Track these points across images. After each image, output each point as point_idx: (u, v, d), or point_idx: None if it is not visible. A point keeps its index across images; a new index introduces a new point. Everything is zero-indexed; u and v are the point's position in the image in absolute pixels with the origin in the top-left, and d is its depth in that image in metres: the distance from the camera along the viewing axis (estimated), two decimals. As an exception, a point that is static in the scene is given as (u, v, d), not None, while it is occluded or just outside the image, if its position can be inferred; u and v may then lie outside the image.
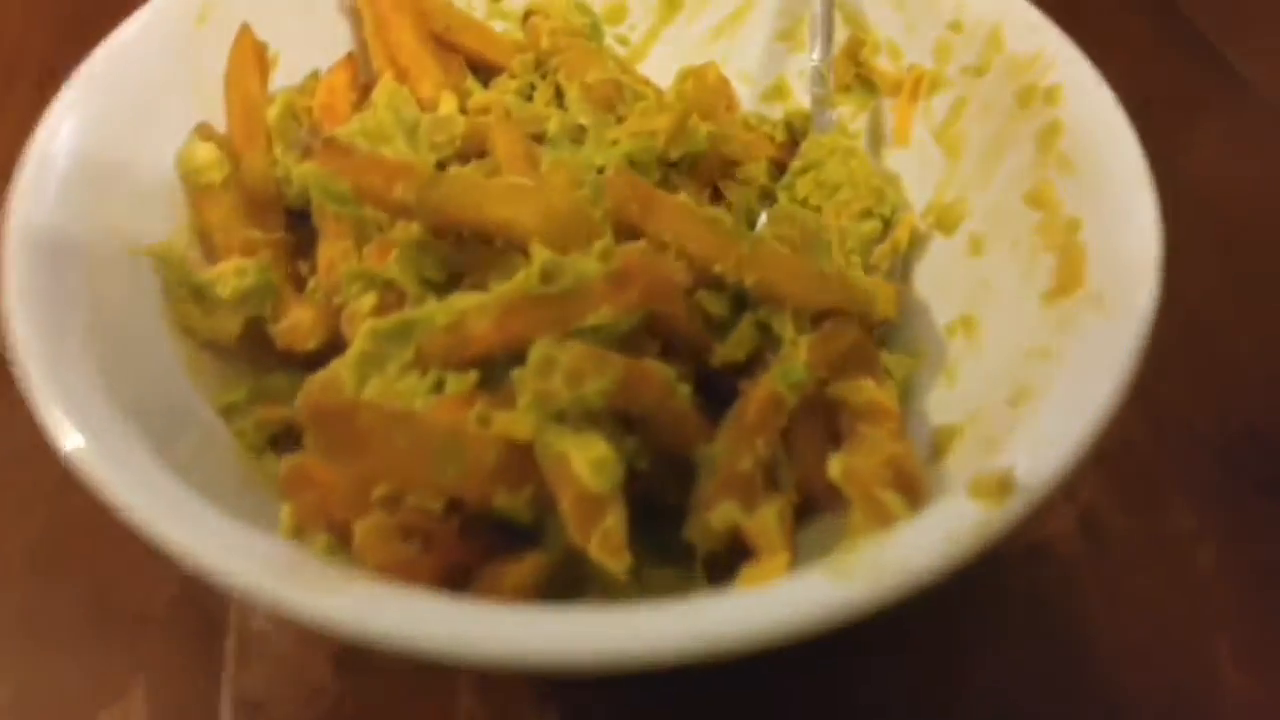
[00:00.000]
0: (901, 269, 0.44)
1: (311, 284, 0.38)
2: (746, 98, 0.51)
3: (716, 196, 0.47)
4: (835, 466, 0.31)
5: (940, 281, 0.43)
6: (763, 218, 0.46)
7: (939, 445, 0.35)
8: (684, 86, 0.46)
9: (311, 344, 0.36)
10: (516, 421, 0.29)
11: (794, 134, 0.49)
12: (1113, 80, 0.38)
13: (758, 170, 0.48)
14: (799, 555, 0.32)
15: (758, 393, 0.34)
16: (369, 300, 0.35)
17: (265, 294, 0.36)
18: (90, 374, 0.30)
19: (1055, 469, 0.27)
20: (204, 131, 0.40)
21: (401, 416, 0.28)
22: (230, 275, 0.36)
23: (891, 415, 0.33)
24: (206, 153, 0.39)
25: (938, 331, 0.41)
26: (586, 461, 0.27)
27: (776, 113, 0.50)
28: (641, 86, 0.46)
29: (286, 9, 0.44)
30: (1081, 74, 0.39)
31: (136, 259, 0.36)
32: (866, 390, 0.34)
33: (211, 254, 0.39)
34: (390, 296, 0.35)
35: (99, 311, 0.33)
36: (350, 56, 0.44)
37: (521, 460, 0.29)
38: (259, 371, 0.37)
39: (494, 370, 0.32)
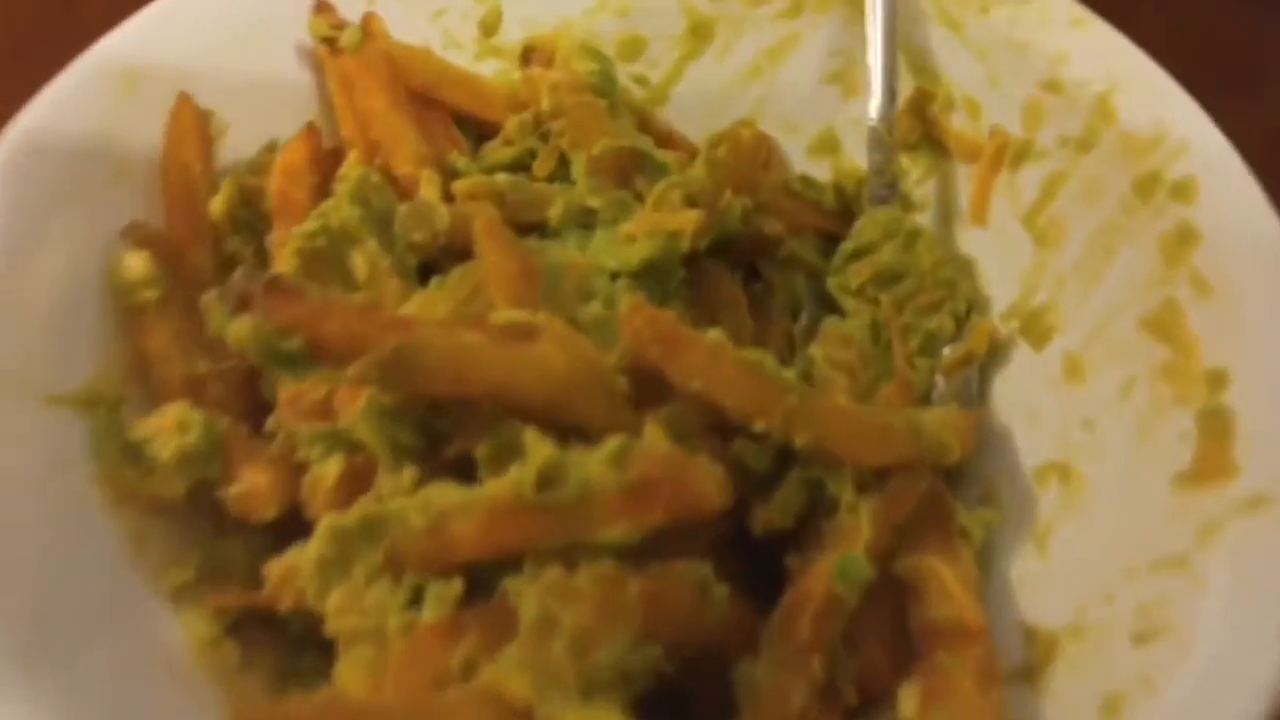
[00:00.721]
0: (978, 385, 0.36)
1: (270, 423, 0.31)
2: (790, 151, 0.43)
3: (753, 275, 0.40)
4: (909, 710, 0.25)
5: (1027, 409, 0.35)
6: (808, 313, 0.39)
7: (1034, 661, 0.28)
8: (716, 155, 0.38)
9: (270, 514, 0.30)
10: (509, 679, 0.22)
11: (846, 200, 0.41)
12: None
13: (803, 246, 0.40)
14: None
15: (811, 593, 0.27)
16: (334, 467, 0.28)
17: (211, 454, 0.30)
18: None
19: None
20: (136, 235, 0.33)
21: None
22: (171, 432, 0.29)
23: (977, 639, 0.26)
24: (140, 264, 0.32)
25: (1024, 475, 0.34)
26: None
27: (825, 171, 0.43)
28: (663, 153, 0.38)
29: (235, 68, 0.37)
30: (1224, 163, 0.32)
31: (53, 409, 0.30)
32: (948, 597, 0.27)
33: (149, 391, 0.32)
34: (358, 459, 0.28)
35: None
36: (310, 128, 0.37)
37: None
38: (207, 535, 0.31)
39: (483, 574, 0.25)
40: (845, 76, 0.42)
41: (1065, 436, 0.33)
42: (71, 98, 0.33)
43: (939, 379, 0.37)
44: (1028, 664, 0.28)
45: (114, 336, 0.33)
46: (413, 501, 0.25)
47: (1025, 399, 0.35)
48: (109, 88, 0.34)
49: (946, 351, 0.37)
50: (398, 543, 0.25)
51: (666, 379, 0.28)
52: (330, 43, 0.36)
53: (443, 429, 0.29)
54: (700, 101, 0.43)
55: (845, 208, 0.41)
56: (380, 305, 0.29)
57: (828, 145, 0.43)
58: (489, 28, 0.42)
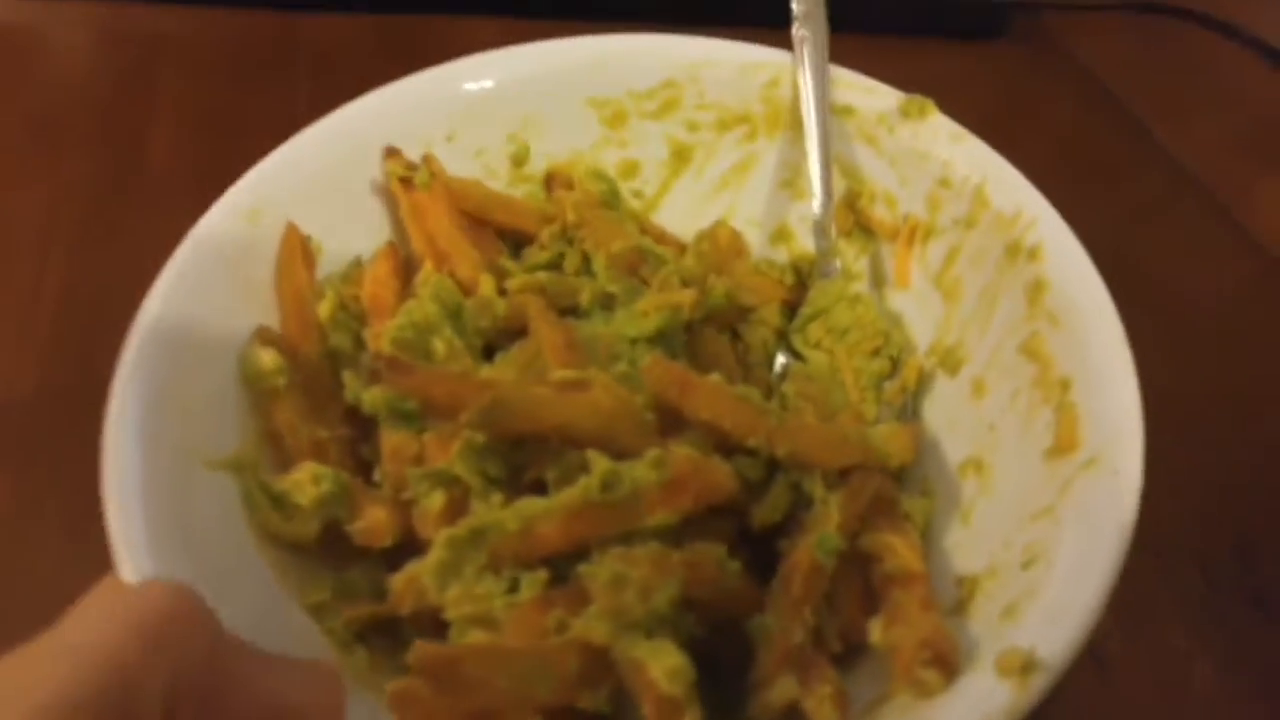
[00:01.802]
0: (912, 407, 0.48)
1: (377, 474, 0.42)
2: (754, 241, 0.55)
3: (734, 337, 0.52)
4: (876, 635, 0.36)
5: (948, 420, 0.47)
6: (779, 361, 0.50)
7: (962, 597, 0.38)
8: (701, 248, 0.50)
9: (388, 541, 0.39)
10: (592, 629, 0.32)
11: (801, 275, 0.53)
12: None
13: (770, 313, 0.52)
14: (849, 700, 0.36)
15: (800, 562, 0.38)
16: (438, 499, 0.38)
17: (341, 498, 0.39)
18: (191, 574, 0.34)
19: (1070, 643, 0.31)
20: (264, 336, 0.43)
21: (498, 656, 0.31)
22: (307, 483, 0.39)
23: (921, 580, 0.37)
24: (269, 358, 0.42)
25: (950, 470, 0.45)
26: (662, 670, 0.31)
27: (782, 255, 0.55)
28: (661, 248, 0.50)
29: (326, 200, 0.47)
30: (1059, 234, 0.44)
31: (213, 472, 0.39)
32: (897, 555, 0.38)
33: (281, 456, 0.42)
34: (456, 491, 0.39)
35: (191, 530, 0.36)
36: (391, 245, 0.48)
37: (600, 661, 0.32)
38: (336, 566, 0.40)
39: (561, 566, 0.36)
40: (793, 183, 0.54)
41: (976, 438, 0.45)
42: (211, 233, 0.43)
43: (884, 408, 0.49)
44: (959, 601, 0.38)
45: (250, 415, 0.42)
46: (507, 512, 0.35)
47: (946, 413, 0.47)
48: (238, 225, 0.44)
49: (886, 385, 0.49)
50: (497, 544, 0.35)
51: (681, 413, 0.40)
52: (406, 181, 0.48)
53: (521, 461, 0.39)
54: (684, 208, 0.56)
55: (800, 282, 0.53)
56: (470, 372, 0.39)
57: (783, 236, 0.55)
58: (519, 161, 0.54)
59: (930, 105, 0.49)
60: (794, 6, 0.53)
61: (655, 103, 0.54)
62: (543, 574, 0.35)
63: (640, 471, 0.35)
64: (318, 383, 0.44)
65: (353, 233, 0.49)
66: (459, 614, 0.35)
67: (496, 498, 0.38)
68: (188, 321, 0.40)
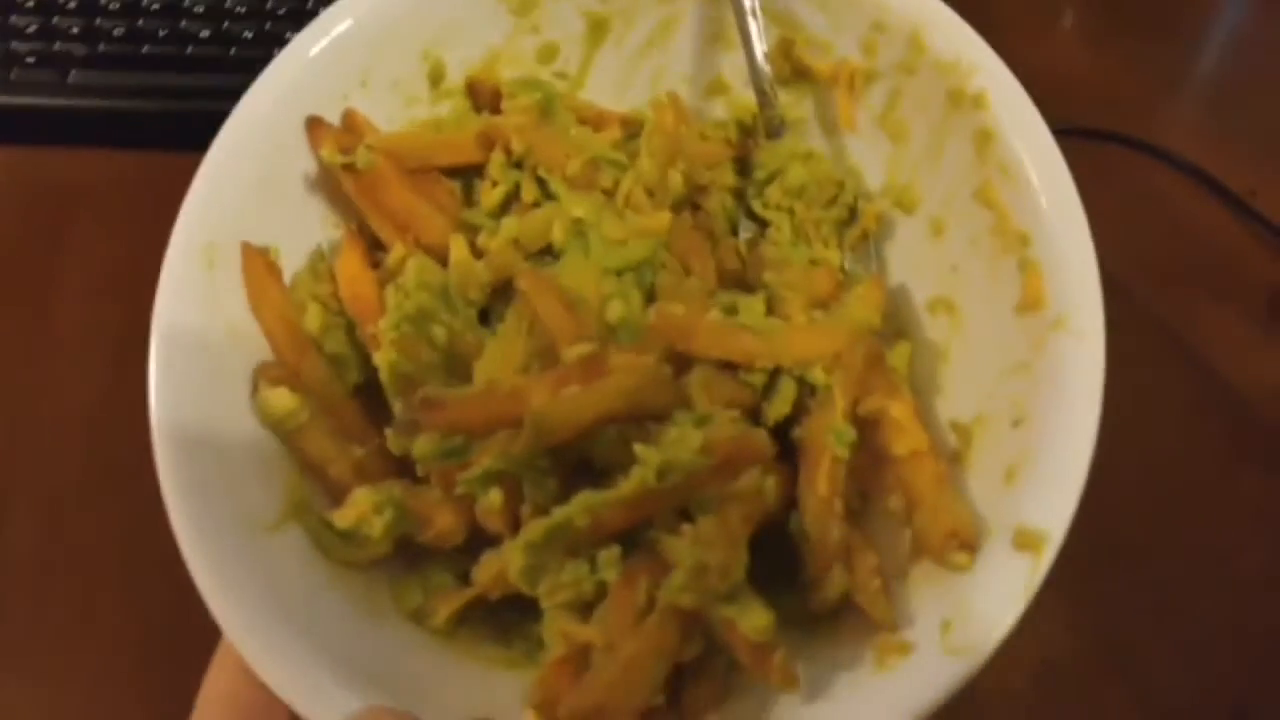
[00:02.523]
0: (875, 250, 0.51)
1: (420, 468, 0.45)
2: (688, 97, 0.55)
3: (694, 208, 0.53)
4: (897, 510, 0.42)
5: (911, 260, 0.50)
6: (744, 229, 0.52)
7: (959, 447, 0.44)
8: (653, 143, 0.50)
9: (459, 541, 0.43)
10: (682, 598, 0.38)
11: (745, 129, 0.54)
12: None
13: (725, 175, 0.53)
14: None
15: (819, 459, 0.43)
16: (496, 496, 0.41)
17: (405, 518, 0.42)
18: (310, 651, 0.38)
19: (1069, 518, 0.38)
20: (268, 375, 0.43)
21: (619, 667, 0.37)
22: (370, 515, 0.41)
23: (928, 455, 0.42)
24: (284, 399, 0.43)
25: (919, 309, 0.49)
26: (751, 628, 0.37)
27: (718, 106, 0.55)
28: (615, 154, 0.50)
29: (268, 202, 0.46)
30: (1002, 82, 0.45)
31: (274, 534, 0.42)
32: (901, 430, 0.43)
33: (326, 486, 0.44)
34: (509, 483, 0.42)
35: (279, 591, 0.40)
36: (351, 233, 0.47)
37: (692, 620, 0.38)
38: (411, 565, 0.44)
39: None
40: (722, 35, 0.52)
41: (940, 278, 0.48)
42: (177, 289, 0.42)
43: (847, 254, 0.52)
44: (958, 450, 0.44)
45: (283, 454, 0.44)
46: (573, 509, 0.39)
47: (908, 253, 0.50)
48: (196, 270, 0.43)
49: (847, 232, 0.52)
50: (571, 538, 0.39)
51: (692, 356, 0.43)
52: (349, 168, 0.46)
53: (561, 450, 0.42)
54: (611, 79, 0.54)
55: (746, 136, 0.54)
56: (495, 386, 0.41)
57: (719, 89, 0.54)
58: (436, 78, 0.51)
59: (855, -49, 0.47)
60: None
61: (562, -20, 0.51)
62: (616, 549, 0.40)
63: (688, 458, 0.39)
64: (331, 397, 0.46)
65: (304, 222, 0.48)
66: (553, 603, 0.40)
67: (550, 484, 0.42)
68: (195, 405, 0.41)
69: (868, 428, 0.45)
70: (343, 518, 0.42)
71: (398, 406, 0.45)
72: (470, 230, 0.48)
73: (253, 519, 0.41)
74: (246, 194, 0.46)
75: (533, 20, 0.52)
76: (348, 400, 0.46)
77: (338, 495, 0.44)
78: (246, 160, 0.46)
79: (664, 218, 0.46)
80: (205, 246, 0.44)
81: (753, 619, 0.37)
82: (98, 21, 0.62)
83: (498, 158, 0.50)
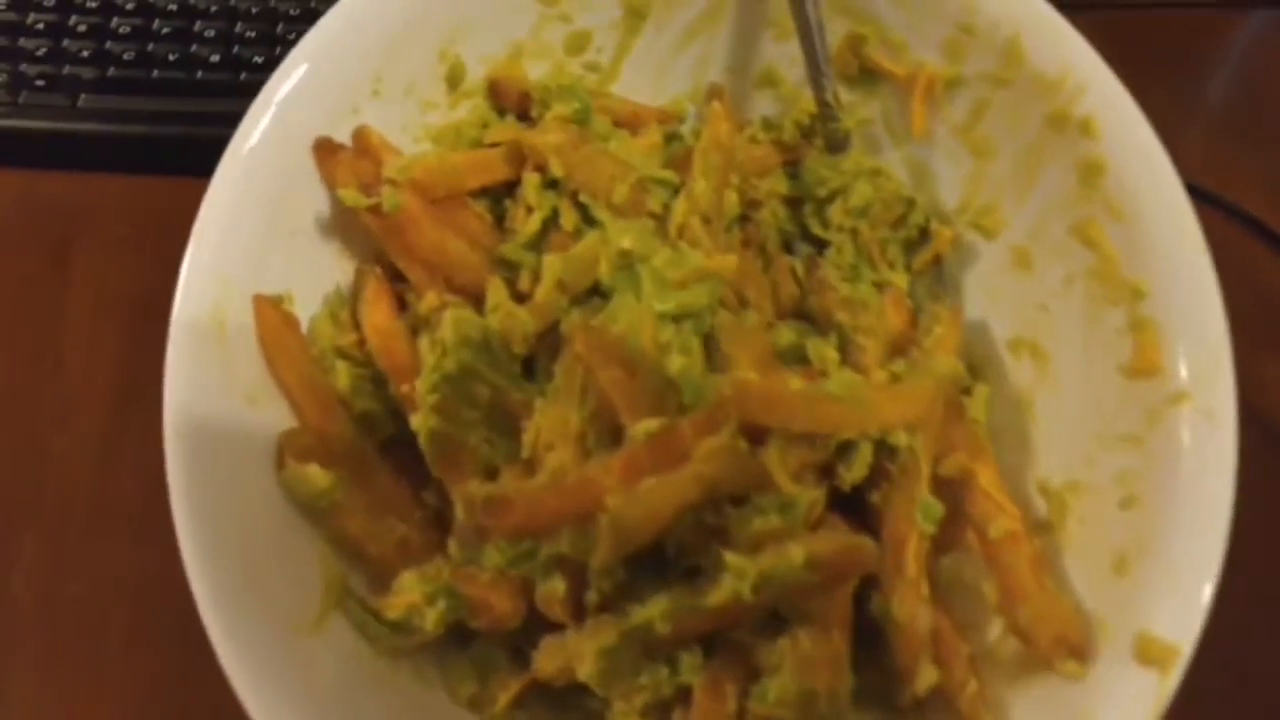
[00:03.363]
0: (949, 278, 0.47)
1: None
2: (736, 92, 0.49)
3: (744, 220, 0.48)
4: (994, 602, 0.39)
5: (990, 292, 0.45)
6: (803, 252, 0.47)
7: (1051, 516, 0.41)
8: (709, 161, 0.43)
9: (515, 624, 0.39)
10: (779, 714, 0.35)
11: (800, 129, 0.48)
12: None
13: (777, 183, 0.48)
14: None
15: (905, 535, 0.39)
16: (559, 585, 0.38)
17: (459, 604, 0.38)
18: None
19: (1198, 627, 0.35)
20: (294, 448, 0.38)
21: None
22: (422, 604, 0.37)
23: (1023, 538, 0.39)
24: (318, 476, 0.38)
25: (999, 349, 0.45)
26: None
27: (767, 100, 0.49)
28: (663, 173, 0.44)
29: (278, 245, 0.40)
30: (1120, 107, 0.40)
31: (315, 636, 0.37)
32: (993, 506, 0.40)
33: (368, 566, 0.40)
34: (573, 568, 0.38)
35: (317, 689, 0.36)
36: (375, 278, 0.41)
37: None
38: (461, 645, 0.40)
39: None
40: (777, 21, 0.46)
41: (1025, 316, 0.44)
42: (187, 369, 0.37)
43: (916, 279, 0.47)
44: (1048, 519, 0.41)
45: (313, 533, 0.39)
46: (654, 614, 0.35)
47: (987, 284, 0.45)
48: (206, 340, 0.38)
49: (915, 255, 0.47)
50: (649, 643, 0.36)
51: (769, 428, 0.39)
52: (374, 209, 0.40)
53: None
54: (649, 69, 0.48)
55: (801, 136, 0.48)
56: (561, 475, 0.36)
57: (769, 80, 0.48)
58: (455, 79, 0.45)
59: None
60: None
61: (597, -39, 0.43)
62: (697, 653, 0.37)
63: (789, 573, 0.35)
64: (362, 461, 0.41)
65: (317, 261, 0.42)
66: (629, 707, 0.37)
67: (619, 572, 0.38)
68: (219, 499, 0.36)
69: (947, 486, 0.41)
70: (393, 608, 0.38)
71: (437, 469, 0.40)
72: (507, 267, 0.43)
73: (290, 620, 0.37)
74: (253, 238, 0.39)
75: (560, 8, 0.45)
76: (380, 464, 0.41)
77: (380, 573, 0.40)
78: (251, 199, 0.39)
79: (730, 261, 0.41)
80: (213, 307, 0.38)
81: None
82: (108, 45, 0.59)
83: (532, 179, 0.43)
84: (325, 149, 0.41)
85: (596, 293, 0.43)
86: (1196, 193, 0.57)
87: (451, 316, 0.40)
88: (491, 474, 0.40)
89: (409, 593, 0.38)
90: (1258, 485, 0.37)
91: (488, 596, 0.39)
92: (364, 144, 0.42)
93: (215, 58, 0.58)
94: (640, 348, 0.40)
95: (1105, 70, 0.40)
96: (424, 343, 0.41)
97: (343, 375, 0.40)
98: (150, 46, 0.58)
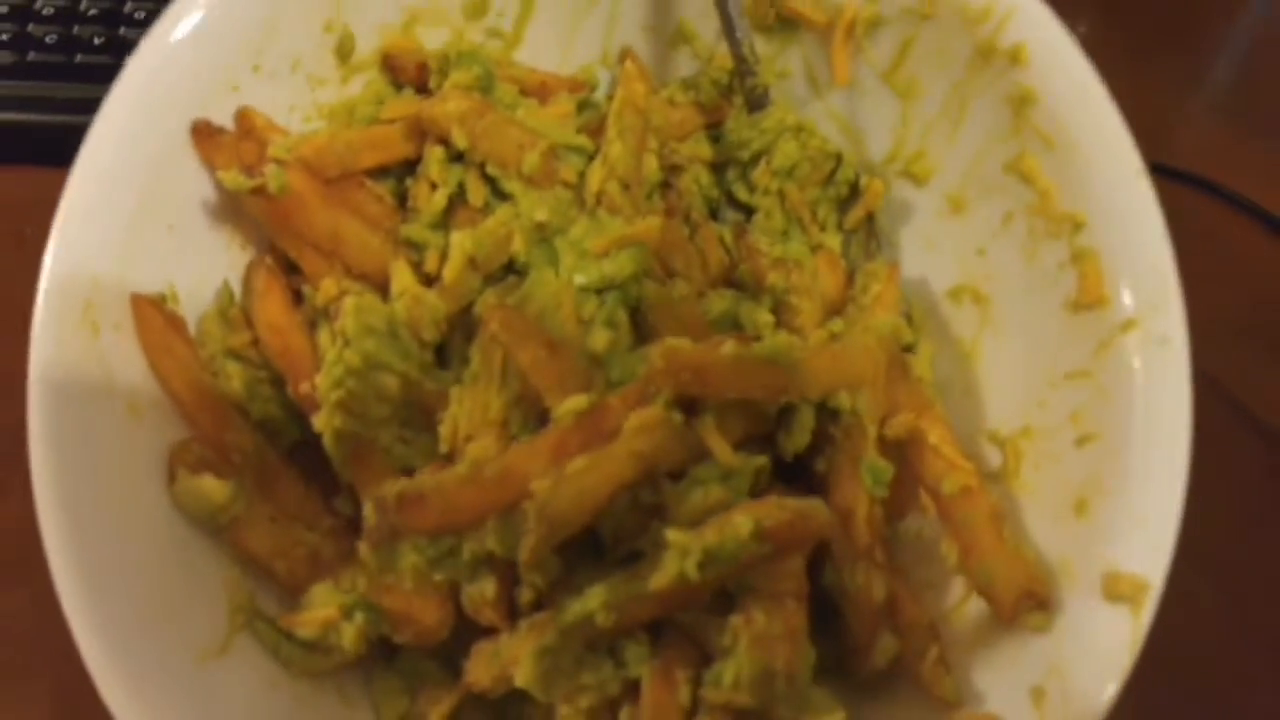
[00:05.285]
0: (882, 232, 0.44)
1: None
2: (648, 52, 0.46)
3: (666, 187, 0.45)
4: (954, 561, 0.36)
5: (926, 240, 0.44)
6: (729, 218, 0.45)
7: (1006, 463, 0.39)
8: (624, 122, 0.41)
9: (443, 636, 0.36)
10: (738, 699, 0.32)
11: (721, 89, 0.45)
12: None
13: (699, 147, 0.45)
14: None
15: (855, 501, 0.37)
16: (489, 586, 0.35)
17: (380, 619, 0.35)
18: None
19: (1166, 559, 0.32)
20: (187, 459, 0.35)
21: None
22: (339, 622, 0.34)
23: (978, 492, 0.37)
24: (216, 489, 0.34)
25: (939, 298, 0.43)
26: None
27: (683, 59, 0.46)
28: (577, 139, 0.41)
29: (155, 237, 0.36)
30: (1047, 32, 0.38)
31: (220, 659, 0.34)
32: (944, 460, 0.37)
33: (277, 583, 0.36)
34: (503, 568, 0.35)
35: (225, 715, 0.33)
36: (267, 268, 0.38)
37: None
38: (387, 661, 0.37)
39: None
40: (684, -25, 0.44)
41: (964, 262, 0.42)
42: (54, 370, 0.33)
43: (848, 236, 0.45)
44: (1003, 468, 0.39)
45: (212, 550, 0.35)
46: (593, 604, 0.32)
47: (922, 233, 0.44)
48: (76, 339, 0.34)
49: (847, 211, 0.45)
50: (591, 636, 0.33)
51: (704, 397, 0.36)
52: (259, 191, 0.37)
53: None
54: (554, 34, 0.45)
55: (719, 95, 0.45)
56: (481, 464, 0.33)
57: (684, 37, 0.45)
58: (345, 52, 0.41)
59: None
60: None
61: (492, -82, 0.41)
62: (644, 642, 0.34)
63: (735, 546, 0.32)
64: (264, 471, 0.37)
65: (201, 252, 0.39)
66: (573, 709, 0.34)
67: (552, 563, 0.35)
68: (96, 515, 0.33)
69: (896, 447, 0.39)
70: (305, 626, 0.35)
71: (346, 473, 0.37)
72: (411, 249, 0.40)
73: (191, 648, 0.33)
74: (124, 230, 0.36)
75: (459, -30, 0.42)
76: (285, 472, 0.38)
77: (291, 589, 0.36)
78: (119, 186, 0.36)
79: (654, 223, 0.38)
80: (83, 307, 0.34)
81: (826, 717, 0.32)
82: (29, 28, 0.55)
83: (435, 153, 0.40)
84: (204, 132, 0.38)
85: (511, 270, 0.40)
86: (1195, 181, 0.54)
87: (352, 304, 0.37)
88: (408, 474, 0.37)
89: (322, 608, 0.35)
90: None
91: (410, 607, 0.36)
92: (247, 125, 0.38)
93: (99, 40, 0.55)
94: (561, 325, 0.38)
95: (1033, -2, 0.38)
96: (323, 336, 0.38)
97: (236, 378, 0.37)
98: (76, 29, 0.55)
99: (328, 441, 0.36)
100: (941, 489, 0.37)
